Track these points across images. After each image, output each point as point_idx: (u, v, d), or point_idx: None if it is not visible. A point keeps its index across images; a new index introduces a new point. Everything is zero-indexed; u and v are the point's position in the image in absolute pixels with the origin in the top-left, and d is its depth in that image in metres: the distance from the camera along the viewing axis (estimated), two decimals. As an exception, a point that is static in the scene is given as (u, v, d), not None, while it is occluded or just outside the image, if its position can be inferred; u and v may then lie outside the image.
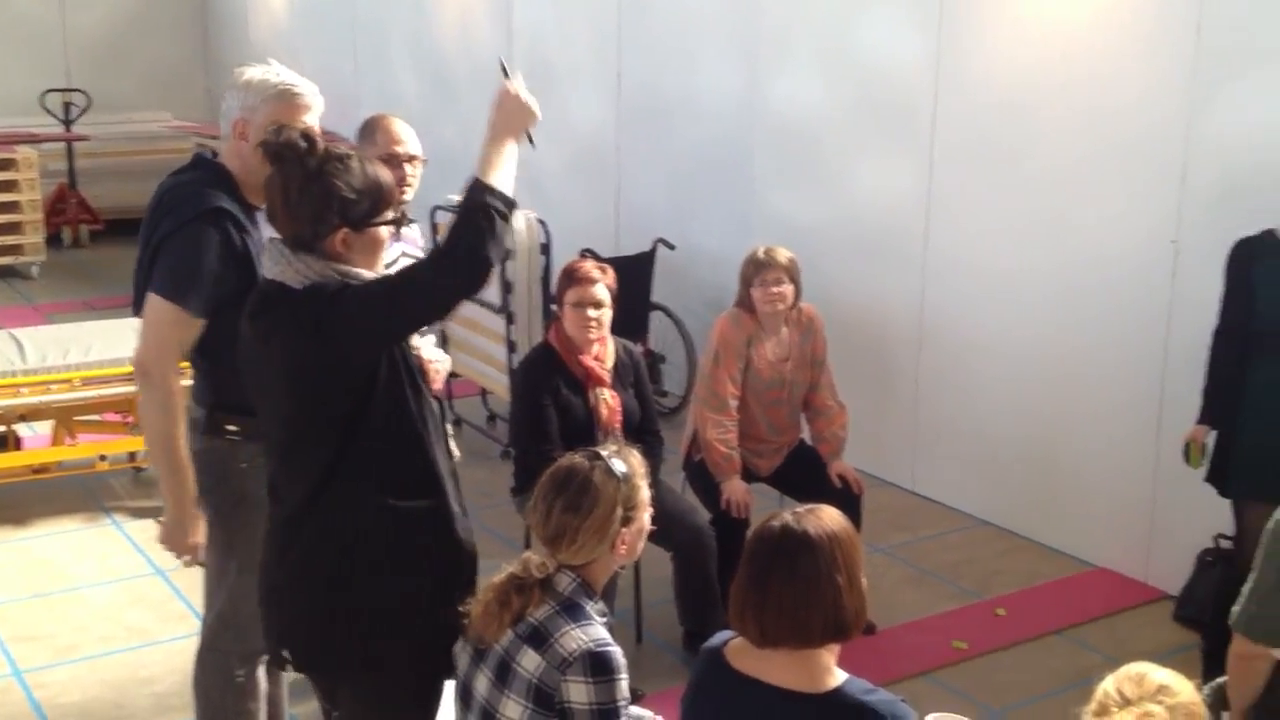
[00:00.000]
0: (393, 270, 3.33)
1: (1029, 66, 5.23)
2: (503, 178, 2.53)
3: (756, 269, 4.54)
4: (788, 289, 4.53)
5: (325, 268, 2.51)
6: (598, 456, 2.55)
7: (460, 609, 2.56)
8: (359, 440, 2.53)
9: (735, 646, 2.32)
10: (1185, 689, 2.00)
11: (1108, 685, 2.04)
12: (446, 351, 6.65)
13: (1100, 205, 5.03)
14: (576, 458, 2.56)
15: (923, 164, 5.72)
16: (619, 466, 2.53)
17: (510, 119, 2.62)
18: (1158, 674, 2.02)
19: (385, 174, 2.62)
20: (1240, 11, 4.50)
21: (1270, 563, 2.23)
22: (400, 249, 3.73)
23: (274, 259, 2.55)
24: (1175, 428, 4.87)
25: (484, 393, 6.79)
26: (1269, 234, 3.99)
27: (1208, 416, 4.16)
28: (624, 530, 2.51)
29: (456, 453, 3.01)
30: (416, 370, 2.63)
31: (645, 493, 2.57)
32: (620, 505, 2.50)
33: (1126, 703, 1.98)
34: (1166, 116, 4.75)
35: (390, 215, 2.61)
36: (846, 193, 6.11)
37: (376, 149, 3.45)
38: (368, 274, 2.56)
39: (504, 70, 2.68)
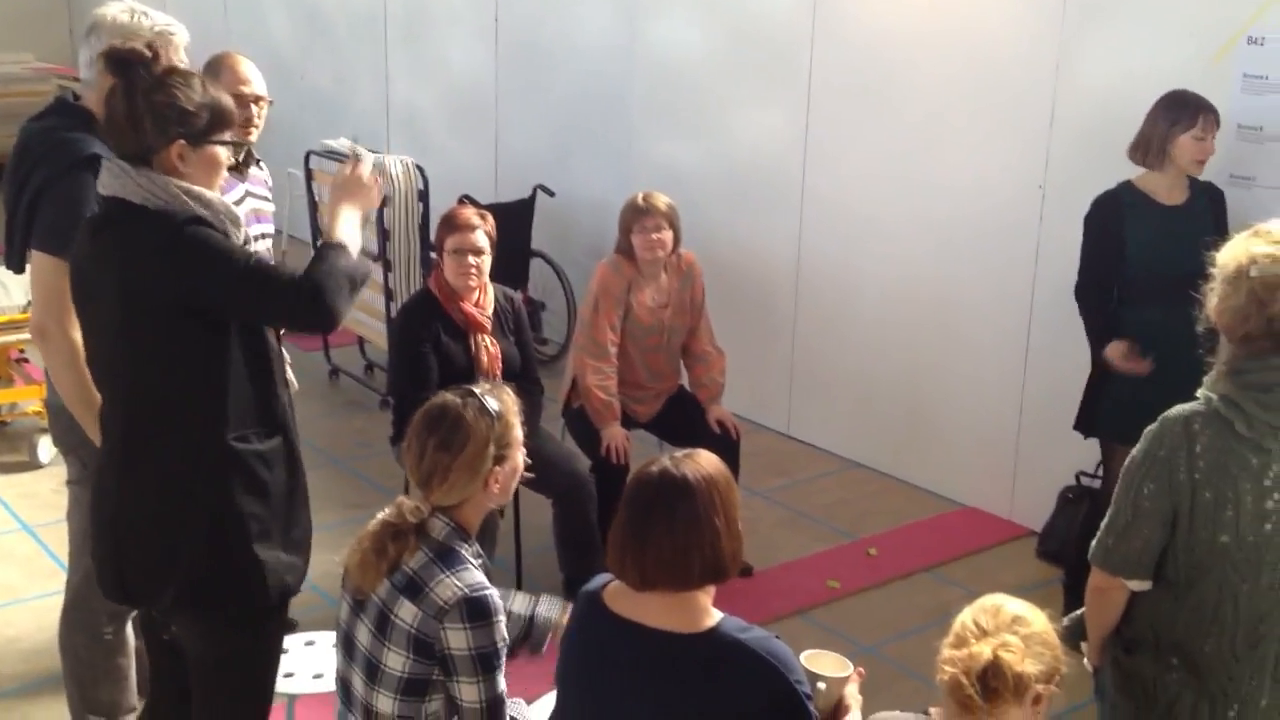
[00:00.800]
0: (241, 209, 3.28)
1: (904, 12, 5.30)
2: (350, 239, 2.64)
3: (636, 215, 4.55)
4: (667, 235, 4.55)
5: (167, 184, 2.48)
6: (470, 394, 2.54)
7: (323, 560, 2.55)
8: (196, 372, 2.51)
9: (613, 590, 2.34)
10: (1039, 620, 2.08)
11: (965, 618, 2.11)
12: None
13: (972, 150, 5.15)
14: (448, 395, 2.55)
15: (799, 109, 5.77)
16: (491, 404, 2.52)
17: (353, 198, 2.71)
18: (1012, 605, 2.10)
19: (227, 98, 2.63)
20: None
21: (1126, 498, 2.32)
22: (245, 189, 3.66)
23: (113, 174, 2.51)
24: (1040, 369, 5.05)
25: (361, 341, 6.71)
26: (1127, 186, 4.12)
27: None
28: (496, 469, 2.51)
29: (294, 384, 2.98)
30: None
31: (518, 431, 2.57)
32: (493, 443, 2.49)
33: (984, 634, 2.05)
34: (1036, 63, 4.86)
35: (229, 137, 2.60)
36: (725, 138, 6.15)
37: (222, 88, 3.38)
38: (212, 196, 2.54)
39: (354, 154, 2.74)
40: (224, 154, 2.62)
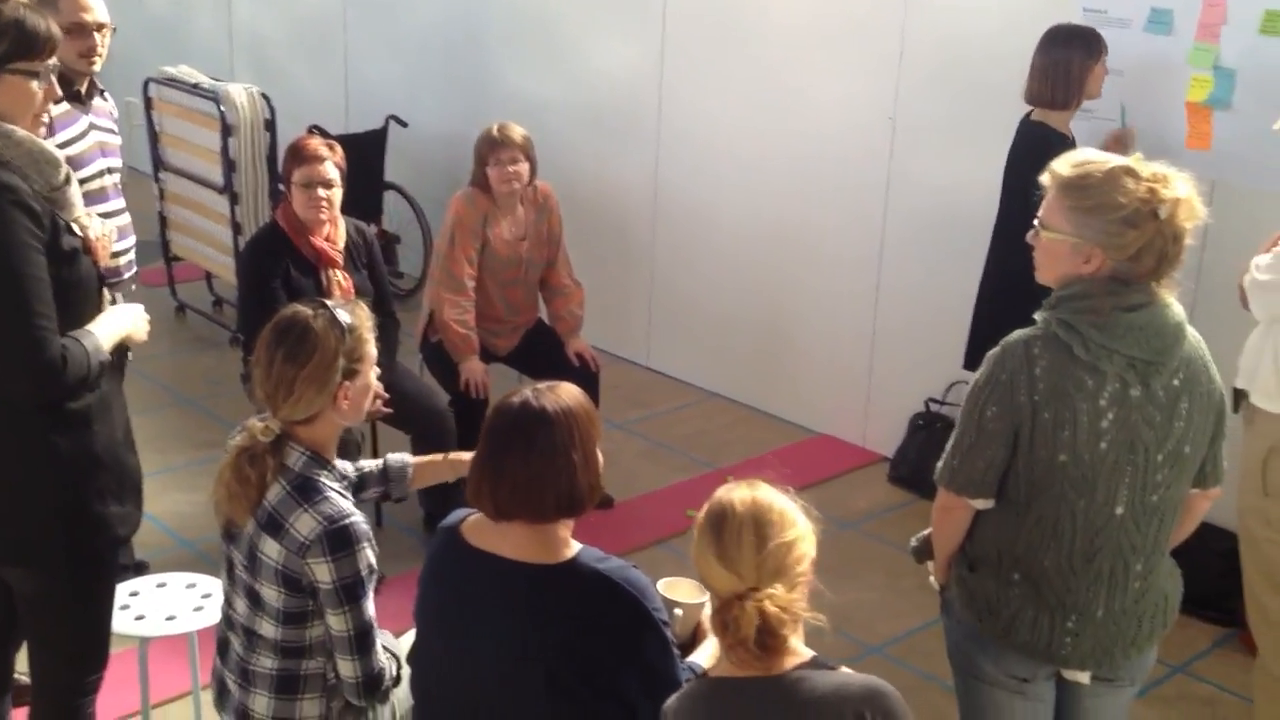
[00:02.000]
0: (78, 147, 3.12)
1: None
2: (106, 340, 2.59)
3: (491, 147, 4.49)
4: (523, 167, 4.51)
5: None
6: (321, 306, 2.49)
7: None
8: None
9: (471, 522, 2.34)
10: (781, 518, 2.06)
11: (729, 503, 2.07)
12: (165, 235, 6.39)
13: (825, 82, 5.19)
14: (299, 306, 2.49)
15: (654, 41, 5.74)
16: (343, 316, 2.46)
17: (128, 328, 2.69)
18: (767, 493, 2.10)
19: (48, 27, 2.49)
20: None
21: (970, 420, 2.39)
22: (89, 121, 3.52)
23: None
24: (891, 298, 5.16)
25: (209, 276, 6.52)
26: (1044, 126, 4.15)
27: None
28: (346, 384, 2.45)
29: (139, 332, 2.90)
30: (80, 254, 2.53)
31: (371, 348, 2.52)
32: (342, 356, 2.44)
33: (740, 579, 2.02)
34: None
35: (40, 66, 2.47)
36: (580, 70, 6.09)
37: (61, 17, 3.21)
38: (21, 134, 2.43)
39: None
40: (35, 84, 2.47)
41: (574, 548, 2.28)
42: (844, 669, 2.05)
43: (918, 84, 4.90)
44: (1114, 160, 2.34)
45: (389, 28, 7.01)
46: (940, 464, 2.46)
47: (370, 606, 2.46)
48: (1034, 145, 4.04)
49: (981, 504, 2.44)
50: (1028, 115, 4.22)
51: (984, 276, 4.34)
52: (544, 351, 4.72)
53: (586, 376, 4.56)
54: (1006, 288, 3.94)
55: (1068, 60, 4.08)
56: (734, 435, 5.48)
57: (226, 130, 5.70)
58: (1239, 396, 3.24)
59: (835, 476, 5.13)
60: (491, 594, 2.26)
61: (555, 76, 6.20)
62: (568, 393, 2.31)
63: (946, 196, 4.87)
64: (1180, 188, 2.29)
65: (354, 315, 2.50)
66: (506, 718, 2.27)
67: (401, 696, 2.59)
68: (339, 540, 2.38)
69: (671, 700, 2.10)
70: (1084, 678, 2.48)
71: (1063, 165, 2.37)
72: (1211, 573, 3.87)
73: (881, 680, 2.04)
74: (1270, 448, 3.16)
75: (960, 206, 4.81)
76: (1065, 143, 3.99)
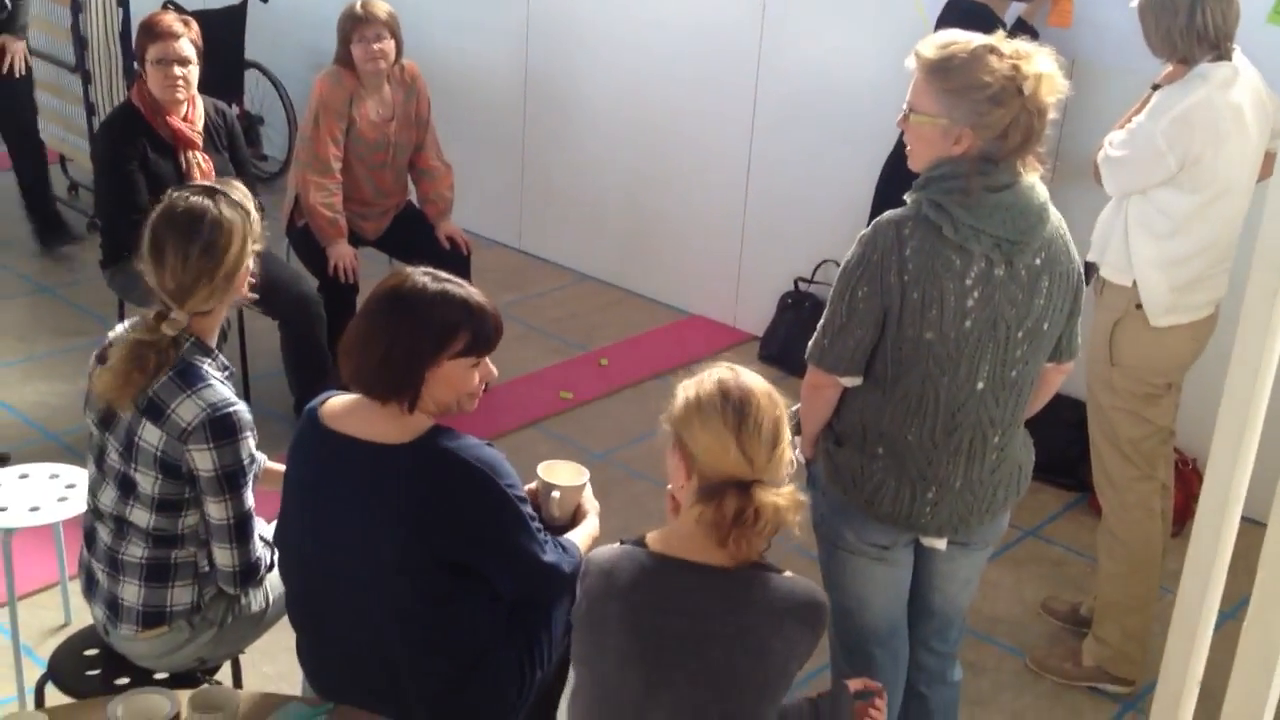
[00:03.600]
0: None
1: None
2: None
3: (355, 24, 4.37)
4: (389, 45, 4.40)
5: None
6: (212, 191, 2.44)
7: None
8: None
9: (330, 406, 2.33)
10: (764, 399, 2.07)
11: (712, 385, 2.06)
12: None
13: (693, -36, 5.15)
14: (191, 197, 2.44)
15: (522, -83, 5.62)
16: (238, 197, 2.43)
17: None
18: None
19: None
20: None
21: (841, 300, 2.44)
22: None
23: None
24: (760, 180, 5.19)
25: (64, 160, 6.27)
26: None
27: None
28: (248, 265, 2.46)
29: None
30: None
31: (260, 223, 2.51)
32: (250, 239, 2.43)
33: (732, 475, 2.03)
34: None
35: None
36: (446, -55, 5.94)
37: None
38: None
39: None
40: None
41: (426, 426, 2.28)
42: (788, 573, 2.09)
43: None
44: (977, 39, 2.37)
45: (244, -102, 6.71)
46: (811, 343, 2.51)
47: (250, 496, 2.46)
48: (972, 23, 4.05)
49: (850, 382, 2.50)
50: None
51: (890, 156, 4.32)
52: (414, 234, 4.67)
53: (457, 259, 4.54)
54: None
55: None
56: (607, 318, 5.51)
57: (76, 5, 5.44)
58: (1090, 270, 3.36)
59: (707, 357, 5.19)
60: (346, 474, 2.27)
61: (420, -49, 6.04)
62: (471, 288, 2.29)
63: (817, 79, 4.89)
64: (1042, 63, 2.33)
65: (244, 193, 2.47)
66: (365, 597, 2.28)
67: (274, 582, 2.60)
68: (222, 428, 2.37)
69: (603, 558, 2.08)
70: (940, 544, 2.59)
71: (927, 47, 2.39)
72: (1063, 441, 4.06)
73: (820, 590, 2.10)
74: (1117, 320, 3.29)
75: (833, 87, 4.84)
76: (999, 24, 3.95)
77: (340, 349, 2.29)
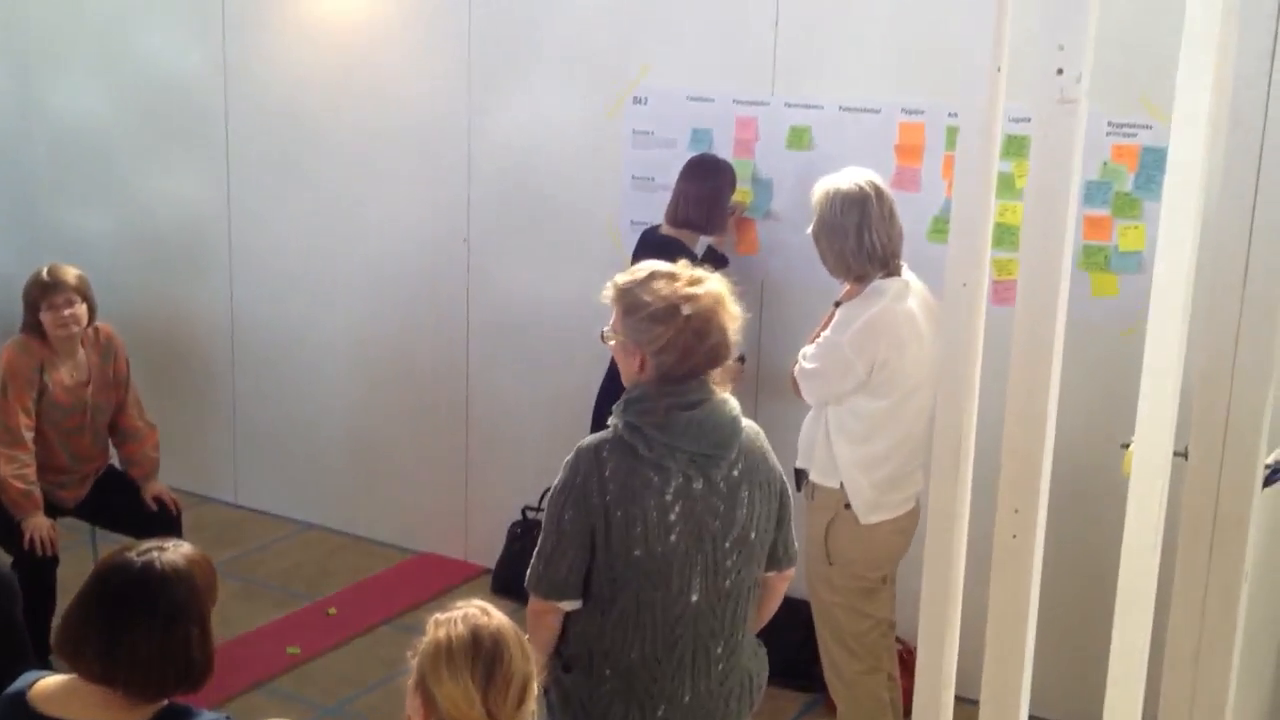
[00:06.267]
0: None
1: (315, 72, 5.32)
2: None
3: (43, 291, 4.23)
4: (80, 309, 4.27)
5: None
6: None
7: None
8: None
9: (43, 688, 2.16)
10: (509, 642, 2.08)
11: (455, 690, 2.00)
12: None
13: (397, 204, 5.25)
14: None
15: (220, 169, 5.63)
16: None
17: None
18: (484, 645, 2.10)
19: None
20: (501, 30, 4.89)
21: (551, 525, 2.48)
22: None
23: None
24: (481, 410, 5.23)
25: None
26: None
27: None
28: None
29: None
30: None
31: None
32: None
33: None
34: (451, 121, 5.05)
35: None
36: (142, 203, 5.87)
37: None
38: None
39: None
40: None
41: (157, 706, 2.14)
42: None
43: (488, 203, 5.05)
44: (659, 266, 2.52)
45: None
46: (529, 570, 2.53)
47: None
48: (663, 255, 4.24)
49: (569, 605, 2.52)
50: (655, 228, 4.39)
51: (604, 379, 4.42)
52: (119, 499, 4.45)
53: (167, 521, 4.34)
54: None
55: (718, 189, 4.30)
56: (333, 565, 5.35)
57: None
58: (800, 476, 3.52)
59: (440, 594, 5.09)
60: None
61: (114, 211, 5.94)
62: (184, 553, 2.19)
63: (524, 308, 5.02)
64: (710, 286, 2.48)
65: None
66: None
67: None
68: None
69: None
70: (680, 762, 2.58)
71: (621, 275, 2.53)
72: (794, 644, 4.15)
73: None
74: (829, 520, 3.44)
75: (540, 315, 4.98)
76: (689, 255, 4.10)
77: (59, 635, 2.14)
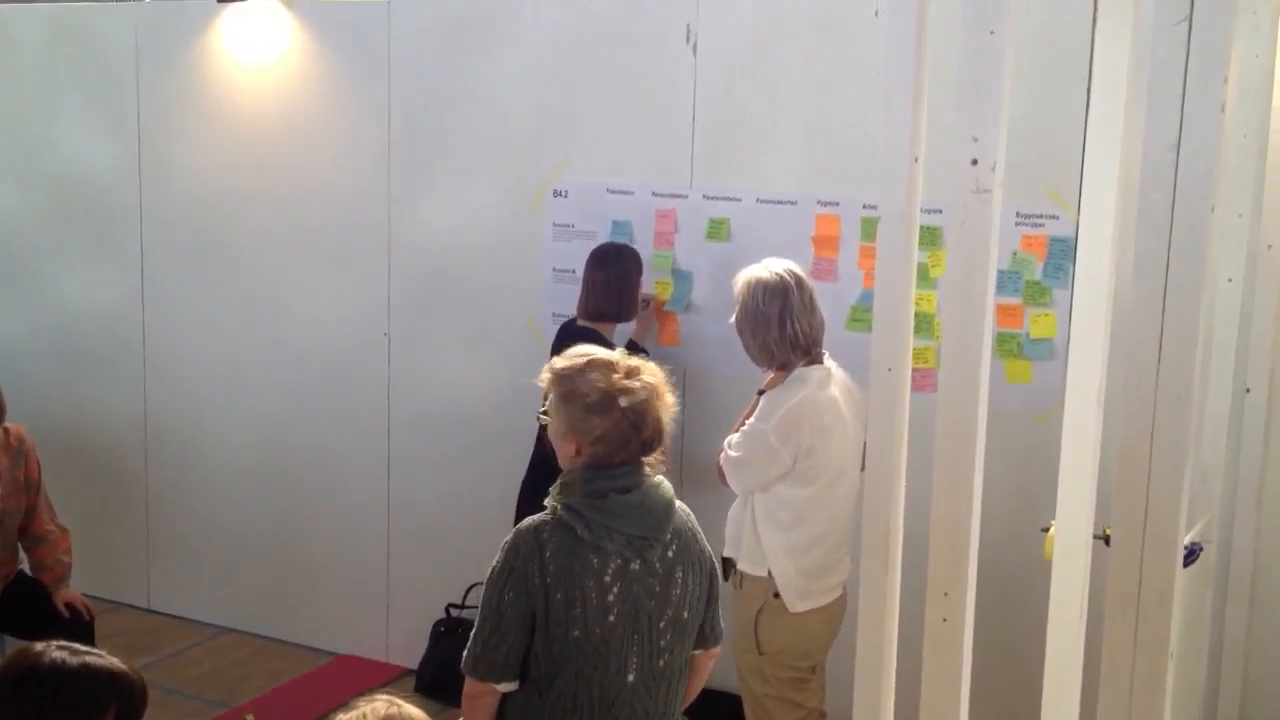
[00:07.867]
0: None
1: (231, 169, 5.31)
2: None
3: (-50, 391, 4.13)
4: (-10, 409, 4.17)
5: None
6: None
7: None
8: None
9: None
10: None
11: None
12: None
13: (317, 299, 5.22)
14: None
15: (134, 266, 5.56)
16: None
17: None
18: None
19: None
20: (421, 123, 4.92)
21: (489, 607, 2.47)
22: None
23: None
24: (402, 508, 5.17)
25: None
26: None
27: None
28: None
29: None
30: None
31: None
32: None
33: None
34: (370, 217, 5.05)
35: None
36: (52, 301, 5.77)
37: None
38: None
39: None
40: None
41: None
42: None
43: (408, 298, 5.04)
44: (597, 354, 2.54)
45: None
46: (465, 652, 2.52)
47: None
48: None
49: (506, 687, 2.51)
50: (573, 320, 4.40)
51: (527, 473, 4.40)
52: (28, 606, 4.31)
53: (79, 627, 4.21)
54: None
55: (624, 274, 4.32)
56: (250, 669, 5.21)
57: None
58: (728, 565, 3.52)
59: (359, 696, 4.97)
60: None
61: (23, 310, 5.84)
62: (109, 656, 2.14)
63: (446, 401, 4.99)
64: (646, 378, 2.51)
65: None
66: None
67: None
68: None
69: None
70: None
71: (560, 359, 2.55)
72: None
73: None
74: (758, 609, 3.44)
75: (461, 408, 4.95)
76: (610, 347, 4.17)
77: None
